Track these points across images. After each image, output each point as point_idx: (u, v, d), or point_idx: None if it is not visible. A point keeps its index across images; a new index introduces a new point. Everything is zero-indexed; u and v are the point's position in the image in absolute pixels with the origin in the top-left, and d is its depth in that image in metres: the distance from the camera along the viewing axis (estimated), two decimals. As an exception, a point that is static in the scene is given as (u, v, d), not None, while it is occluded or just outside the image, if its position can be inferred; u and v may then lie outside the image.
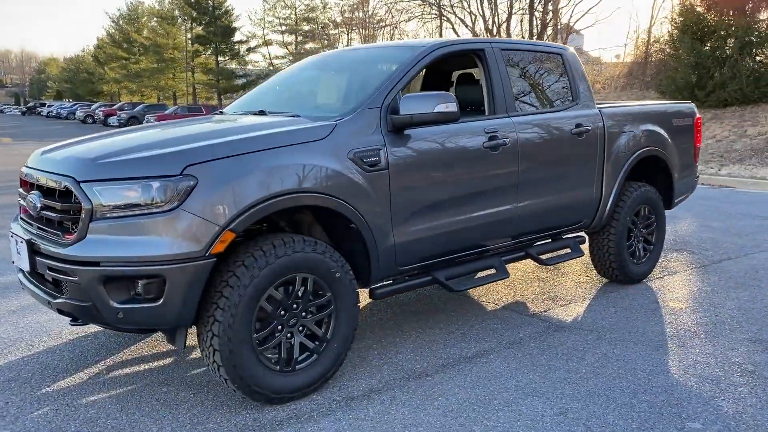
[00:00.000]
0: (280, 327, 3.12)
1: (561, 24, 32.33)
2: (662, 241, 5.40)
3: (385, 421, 2.98)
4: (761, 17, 17.47)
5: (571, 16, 31.70)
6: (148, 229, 2.80)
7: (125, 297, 2.82)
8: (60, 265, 2.88)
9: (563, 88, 4.70)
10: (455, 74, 5.37)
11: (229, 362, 2.94)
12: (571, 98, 4.68)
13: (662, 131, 5.20)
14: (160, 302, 2.80)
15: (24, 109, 77.15)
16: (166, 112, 37.77)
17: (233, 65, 54.54)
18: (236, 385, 3.01)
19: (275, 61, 52.38)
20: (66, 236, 2.93)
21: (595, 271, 5.40)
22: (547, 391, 3.28)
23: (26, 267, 3.12)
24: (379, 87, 3.59)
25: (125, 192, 2.82)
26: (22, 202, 3.40)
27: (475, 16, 32.36)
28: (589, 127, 4.58)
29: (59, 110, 56.79)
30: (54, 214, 3.02)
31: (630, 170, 4.91)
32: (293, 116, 3.63)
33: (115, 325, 2.91)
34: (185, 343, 3.07)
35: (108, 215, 2.82)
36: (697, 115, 5.73)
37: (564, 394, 3.25)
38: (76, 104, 58.06)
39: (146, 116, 36.83)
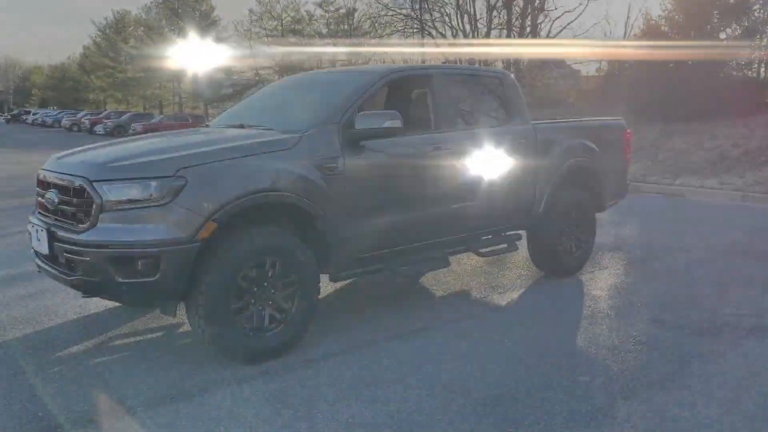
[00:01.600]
0: (253, 300, 3.83)
1: (540, 38, 33.36)
2: (592, 240, 6.18)
3: (336, 375, 3.71)
4: (722, 37, 18.50)
5: (549, 31, 32.66)
6: (146, 219, 3.52)
7: (128, 274, 3.53)
8: (75, 248, 3.59)
9: (502, 107, 5.48)
10: (415, 92, 6.13)
11: (211, 327, 3.66)
12: (509, 115, 5.45)
13: (592, 144, 5.99)
14: (157, 278, 3.52)
15: (8, 117, 77.16)
16: (153, 121, 38.35)
17: (220, 75, 55.13)
18: (218, 346, 3.73)
19: (261, 72, 53.09)
20: (79, 225, 3.64)
21: (534, 266, 6.16)
22: (473, 355, 4.02)
23: (45, 251, 3.82)
24: (338, 105, 4.34)
25: (129, 189, 3.54)
26: (40, 198, 4.11)
27: (456, 30, 33.34)
28: (523, 140, 5.35)
29: (44, 118, 56.98)
30: (69, 208, 3.72)
31: (561, 177, 5.68)
32: (267, 129, 4.37)
33: (120, 297, 3.62)
34: (176, 312, 3.78)
35: (114, 208, 3.53)
36: (627, 130, 6.54)
37: (486, 358, 3.99)
38: (62, 112, 58.31)
39: (132, 125, 37.36)
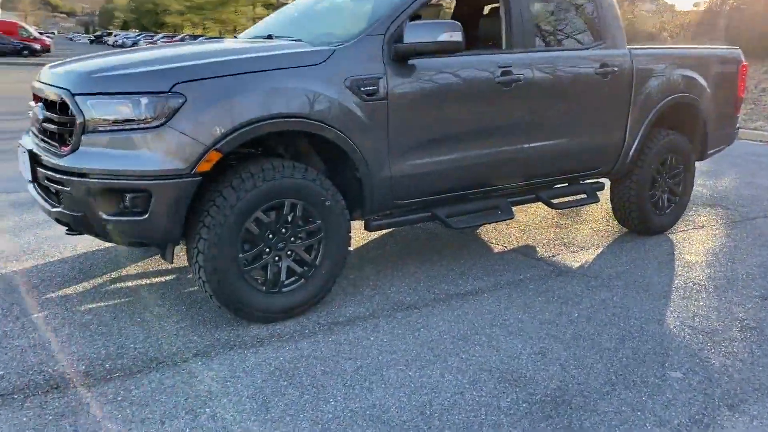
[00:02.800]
0: (267, 249, 3.17)
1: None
2: (689, 193, 5.18)
3: (362, 346, 3.03)
4: None
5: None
6: (135, 144, 2.86)
7: (114, 210, 2.90)
8: (56, 175, 2.98)
9: (592, 26, 4.47)
10: (487, 8, 5.19)
11: (213, 278, 3.02)
12: (600, 37, 4.45)
13: (699, 77, 4.91)
14: (146, 216, 2.88)
15: (92, 38, 79.11)
16: (225, 45, 37.96)
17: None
18: (221, 301, 3.09)
19: (336, -2, 51.57)
20: (63, 148, 3.02)
21: (616, 221, 5.25)
22: (532, 332, 3.25)
23: (28, 176, 3.24)
24: (384, 14, 3.50)
25: (116, 106, 2.87)
26: (30, 114, 3.51)
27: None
28: (615, 68, 4.36)
29: (124, 40, 57.92)
30: (53, 126, 3.10)
31: (658, 116, 4.68)
32: (296, 41, 3.59)
33: (105, 236, 3.01)
34: (172, 258, 3.16)
35: (99, 129, 2.88)
36: (743, 63, 5.39)
37: (549, 335, 3.22)
38: (141, 35, 59.07)
39: (205, 49, 37.13)
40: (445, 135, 3.64)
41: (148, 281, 3.77)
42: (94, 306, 3.39)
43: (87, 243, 4.35)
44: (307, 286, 3.30)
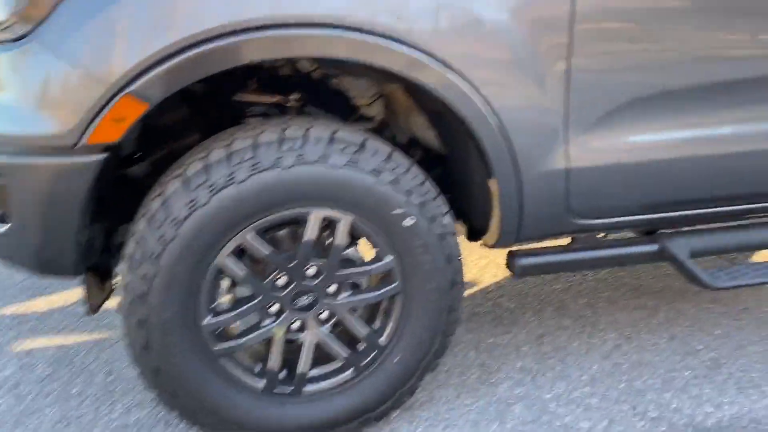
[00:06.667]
0: (272, 307, 1.52)
1: None
2: None
3: None
4: None
5: None
6: (-14, 76, 1.38)
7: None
8: None
9: None
10: None
11: (146, 363, 1.46)
12: None
13: None
14: (8, 227, 1.41)
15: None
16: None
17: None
18: (167, 403, 1.54)
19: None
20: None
21: None
22: None
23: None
24: None
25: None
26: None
27: None
28: None
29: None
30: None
31: None
32: None
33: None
34: (89, 307, 1.64)
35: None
36: None
37: None
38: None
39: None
40: (690, 85, 1.62)
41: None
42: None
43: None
44: (359, 386, 1.60)
